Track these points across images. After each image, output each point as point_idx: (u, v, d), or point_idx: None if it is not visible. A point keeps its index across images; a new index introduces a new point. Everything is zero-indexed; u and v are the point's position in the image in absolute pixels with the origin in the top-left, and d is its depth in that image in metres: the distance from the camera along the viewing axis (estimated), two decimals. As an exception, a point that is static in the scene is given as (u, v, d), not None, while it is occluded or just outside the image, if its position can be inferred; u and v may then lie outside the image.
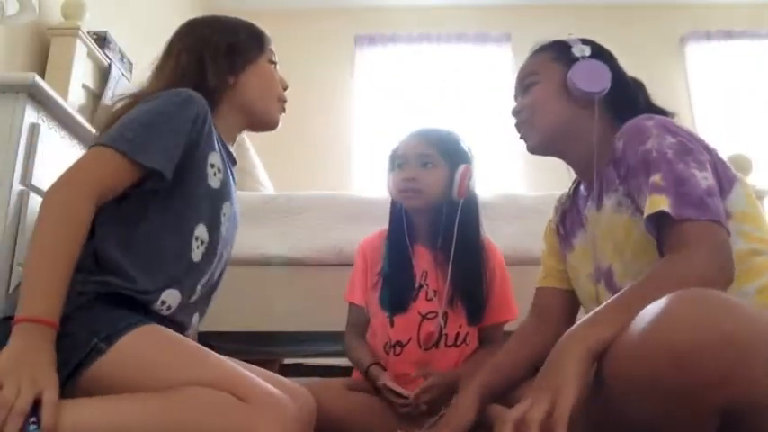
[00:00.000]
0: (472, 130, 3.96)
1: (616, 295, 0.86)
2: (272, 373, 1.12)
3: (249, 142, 2.60)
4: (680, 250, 0.85)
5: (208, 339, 1.88)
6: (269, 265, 1.79)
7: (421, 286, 1.45)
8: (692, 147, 0.95)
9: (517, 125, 1.18)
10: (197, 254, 1.06)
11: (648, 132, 0.97)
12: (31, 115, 1.53)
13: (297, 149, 3.85)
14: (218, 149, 1.11)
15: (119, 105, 1.10)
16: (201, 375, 0.88)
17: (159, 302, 1.00)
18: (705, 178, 0.91)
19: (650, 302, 0.74)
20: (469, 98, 4.05)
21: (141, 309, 0.97)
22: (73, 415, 0.82)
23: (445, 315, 1.42)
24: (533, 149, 1.16)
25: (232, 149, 1.20)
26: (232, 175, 1.19)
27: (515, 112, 1.17)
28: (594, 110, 1.07)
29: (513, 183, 3.83)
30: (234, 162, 1.21)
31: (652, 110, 1.10)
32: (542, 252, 1.29)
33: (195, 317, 1.12)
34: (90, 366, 0.87)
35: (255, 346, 2.13)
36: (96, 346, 0.87)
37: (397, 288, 1.45)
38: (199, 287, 1.08)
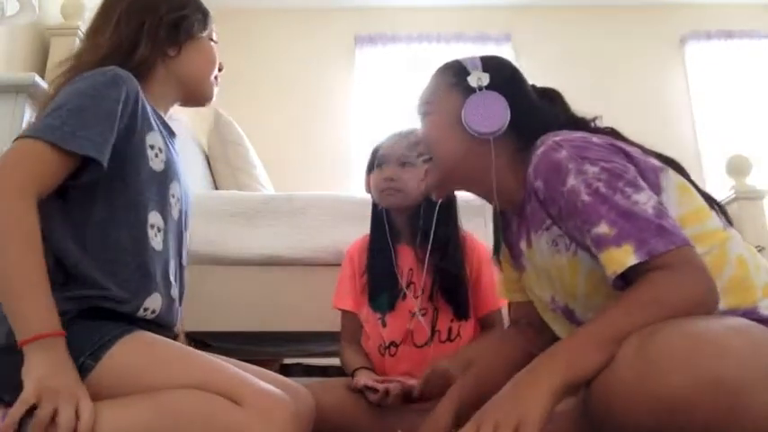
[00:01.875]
0: (472, 130, 3.97)
1: (597, 320, 0.79)
2: (271, 372, 1.11)
3: (249, 142, 2.60)
4: (664, 272, 0.78)
5: (208, 339, 1.88)
6: (269, 265, 1.79)
7: (409, 284, 1.47)
8: (615, 167, 0.86)
9: (420, 157, 1.11)
10: (156, 242, 1.02)
11: (565, 168, 0.87)
12: (30, 115, 1.53)
13: (297, 149, 3.85)
14: (157, 127, 1.07)
15: (58, 80, 1.04)
16: (194, 379, 0.87)
17: (142, 310, 0.98)
18: (648, 199, 0.83)
19: (638, 327, 0.72)
20: (469, 98, 4.05)
21: (125, 317, 0.95)
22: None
23: (436, 311, 1.45)
24: (431, 191, 1.09)
25: (168, 121, 1.16)
26: (174, 150, 1.14)
27: (414, 143, 1.10)
28: (491, 146, 0.98)
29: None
30: (173, 134, 1.16)
31: (570, 124, 1.01)
32: (501, 260, 1.20)
33: (180, 311, 1.11)
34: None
35: (255, 346, 2.12)
36: (84, 365, 0.87)
37: (381, 287, 1.47)
38: (172, 278, 1.06)
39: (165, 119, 1.15)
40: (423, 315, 1.45)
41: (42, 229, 0.89)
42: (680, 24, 4.13)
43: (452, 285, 1.45)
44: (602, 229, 0.81)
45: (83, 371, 0.86)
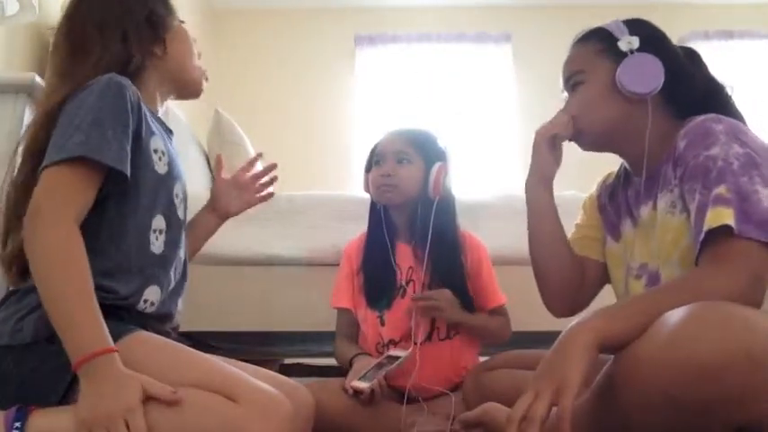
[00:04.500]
0: (472, 129, 3.97)
1: (637, 294, 0.85)
2: (270, 371, 1.11)
3: (249, 142, 2.60)
4: (719, 266, 0.83)
5: (208, 339, 1.88)
6: (269, 265, 1.79)
7: (408, 282, 1.48)
8: (758, 160, 0.90)
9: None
10: (157, 246, 1.03)
11: (715, 137, 0.92)
12: (30, 115, 1.53)
13: (297, 149, 3.85)
14: (156, 129, 1.07)
15: (52, 101, 1.01)
16: (191, 377, 0.88)
17: (142, 302, 0.99)
18: None
19: (671, 309, 0.74)
20: (469, 98, 4.05)
21: (126, 312, 0.97)
22: (65, 421, 0.83)
23: None
24: (586, 149, 1.13)
25: (162, 119, 1.15)
26: (173, 148, 1.14)
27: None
28: (648, 107, 1.01)
29: (514, 183, 3.82)
30: (170, 132, 1.15)
31: (710, 87, 1.07)
32: (579, 221, 1.25)
33: (179, 302, 1.12)
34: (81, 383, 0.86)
35: (255, 346, 2.12)
36: None
37: (380, 285, 1.47)
38: (172, 274, 1.07)
39: (161, 116, 1.15)
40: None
41: None
42: (680, 24, 4.13)
43: (451, 284, 1.45)
44: (721, 190, 0.87)
45: None
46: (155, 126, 1.07)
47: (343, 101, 4.07)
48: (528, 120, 3.94)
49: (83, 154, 0.90)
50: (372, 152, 1.56)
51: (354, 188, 3.81)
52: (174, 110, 1.90)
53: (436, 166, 1.46)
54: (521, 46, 4.07)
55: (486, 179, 3.72)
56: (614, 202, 1.17)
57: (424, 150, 1.50)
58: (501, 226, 1.80)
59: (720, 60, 4.03)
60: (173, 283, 1.08)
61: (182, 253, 1.13)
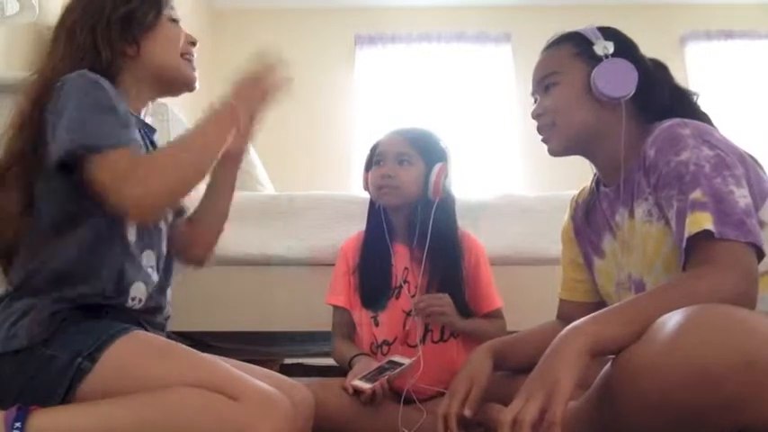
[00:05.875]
0: (472, 129, 3.97)
1: (631, 298, 0.84)
2: (270, 371, 1.12)
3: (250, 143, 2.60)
4: (709, 267, 0.83)
5: (208, 339, 1.88)
6: (269, 265, 1.79)
7: (402, 284, 1.47)
8: (728, 161, 0.91)
9: (539, 128, 1.12)
10: (131, 232, 1.01)
11: (684, 142, 0.92)
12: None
13: (297, 149, 3.85)
14: (133, 124, 1.04)
15: (25, 98, 1.02)
16: (191, 377, 0.88)
17: (130, 299, 0.99)
18: (743, 196, 0.88)
19: (666, 313, 0.74)
20: (469, 98, 4.05)
21: (115, 311, 0.97)
22: (65, 420, 0.83)
23: None
24: (555, 154, 1.11)
25: (146, 118, 1.13)
26: (153, 145, 1.12)
27: (536, 115, 1.11)
28: (621, 111, 1.02)
29: (514, 183, 3.83)
30: (152, 130, 1.13)
31: (677, 95, 1.07)
32: (562, 258, 1.25)
33: (168, 293, 1.11)
34: (80, 385, 0.86)
35: (255, 346, 2.12)
36: (81, 366, 0.87)
37: (375, 285, 1.46)
38: (151, 268, 1.06)
39: (147, 115, 1.14)
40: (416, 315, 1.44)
41: (36, 237, 0.92)
42: (680, 24, 4.13)
43: (449, 285, 1.44)
44: (696, 195, 0.88)
45: (80, 372, 0.87)
46: (132, 120, 1.05)
47: (343, 101, 4.07)
48: (528, 120, 3.94)
49: (120, 143, 0.92)
50: (373, 151, 1.54)
51: (355, 188, 3.81)
52: (173, 110, 1.89)
53: (437, 167, 1.45)
54: (521, 46, 4.07)
55: (486, 179, 3.73)
56: (592, 220, 1.16)
57: (424, 151, 1.49)
58: (501, 226, 1.80)
59: (720, 60, 4.03)
60: (156, 278, 1.07)
61: (163, 247, 1.12)
